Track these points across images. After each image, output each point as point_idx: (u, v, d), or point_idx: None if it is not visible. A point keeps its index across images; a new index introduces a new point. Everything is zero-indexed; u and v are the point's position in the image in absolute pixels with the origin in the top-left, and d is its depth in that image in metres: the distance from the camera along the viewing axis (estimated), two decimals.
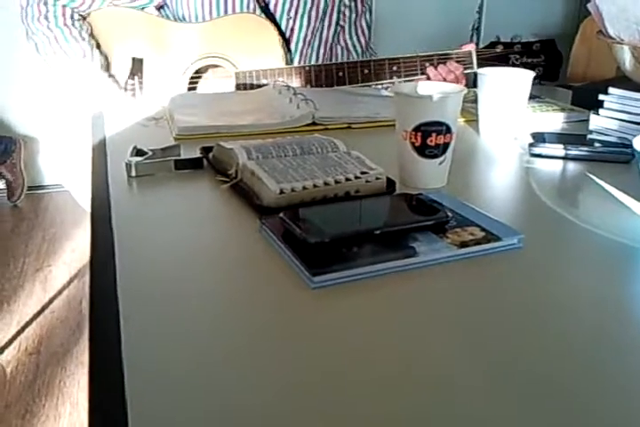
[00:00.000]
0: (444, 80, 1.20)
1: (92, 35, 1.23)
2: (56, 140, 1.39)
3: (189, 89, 1.24)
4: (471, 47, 1.25)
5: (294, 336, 0.45)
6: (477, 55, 1.25)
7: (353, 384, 0.40)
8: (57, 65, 1.22)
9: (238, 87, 1.19)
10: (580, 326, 0.47)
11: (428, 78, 1.22)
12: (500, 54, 1.26)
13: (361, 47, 1.41)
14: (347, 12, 1.36)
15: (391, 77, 1.22)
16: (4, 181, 2.71)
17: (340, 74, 1.20)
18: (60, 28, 1.20)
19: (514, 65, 1.24)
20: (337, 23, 1.36)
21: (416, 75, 1.22)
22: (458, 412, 0.38)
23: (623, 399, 0.39)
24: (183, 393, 0.39)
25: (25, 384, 1.60)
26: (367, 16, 1.40)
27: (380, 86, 1.24)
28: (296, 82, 1.19)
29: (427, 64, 1.22)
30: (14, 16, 1.28)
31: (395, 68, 1.22)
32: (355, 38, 1.39)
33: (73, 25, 1.21)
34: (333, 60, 1.37)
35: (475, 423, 0.37)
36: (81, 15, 1.23)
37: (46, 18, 1.20)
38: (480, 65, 1.23)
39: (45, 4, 1.20)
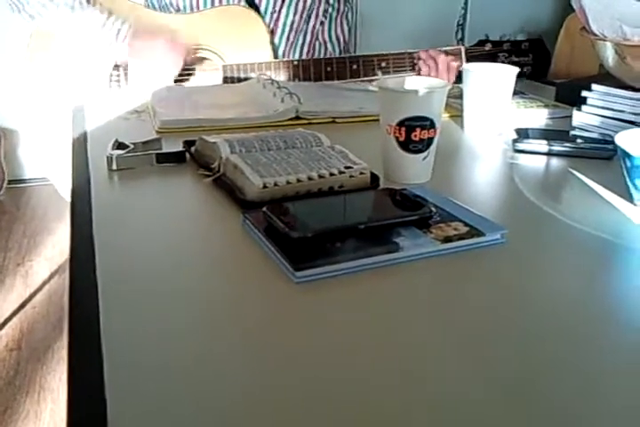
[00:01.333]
0: (435, 62, 1.19)
1: None
2: (37, 133, 1.36)
3: (176, 82, 1.23)
4: (460, 46, 1.26)
5: (277, 331, 0.45)
6: (466, 53, 1.25)
7: (336, 380, 0.40)
8: (58, 23, 1.20)
9: (225, 80, 1.18)
10: (561, 321, 0.47)
11: (419, 73, 1.22)
12: (488, 52, 1.26)
13: (338, 44, 1.41)
14: (329, 10, 1.37)
15: (380, 74, 1.22)
16: None
17: (329, 69, 1.20)
18: None
19: (502, 63, 1.25)
20: (320, 21, 1.36)
21: (405, 71, 1.22)
22: (444, 407, 0.38)
23: (605, 392, 0.40)
24: (163, 390, 0.39)
25: (5, 380, 1.58)
26: (348, 16, 1.40)
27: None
28: (284, 76, 1.18)
29: (417, 57, 1.22)
30: None
31: (383, 65, 1.21)
32: (333, 35, 1.39)
33: None
34: (314, 55, 1.37)
35: (461, 418, 0.37)
36: None
37: None
38: (469, 62, 1.24)
39: None
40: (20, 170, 2.82)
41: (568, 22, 1.50)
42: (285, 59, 1.29)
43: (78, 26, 1.19)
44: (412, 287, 0.52)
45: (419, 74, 1.22)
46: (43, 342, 1.73)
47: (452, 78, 1.21)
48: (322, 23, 1.37)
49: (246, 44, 1.23)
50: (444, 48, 1.24)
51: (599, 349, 0.44)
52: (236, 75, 1.18)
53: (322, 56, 1.36)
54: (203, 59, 1.25)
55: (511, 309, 0.49)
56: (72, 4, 1.18)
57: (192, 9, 1.24)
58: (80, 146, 0.86)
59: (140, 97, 1.08)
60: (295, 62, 1.19)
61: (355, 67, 1.21)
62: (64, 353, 1.68)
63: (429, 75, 1.20)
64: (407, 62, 1.23)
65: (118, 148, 0.77)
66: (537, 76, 1.27)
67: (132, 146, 0.77)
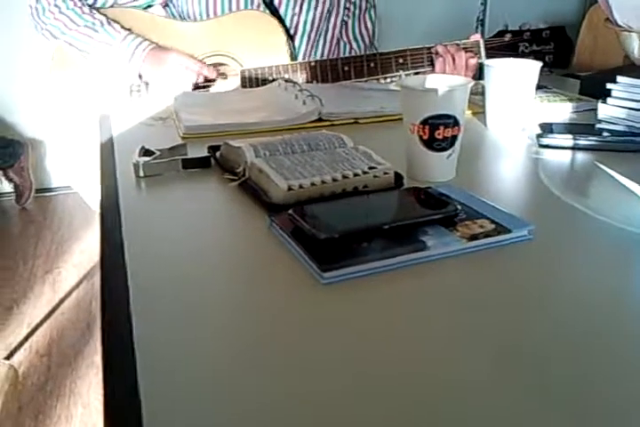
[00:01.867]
0: (453, 58, 1.18)
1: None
2: (63, 143, 1.39)
3: (195, 88, 1.24)
4: (478, 37, 1.23)
5: (305, 332, 0.45)
6: (486, 44, 1.23)
7: (365, 381, 0.40)
8: (78, 43, 1.22)
9: (244, 85, 1.19)
10: (592, 317, 0.47)
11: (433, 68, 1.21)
12: (508, 43, 1.24)
13: (364, 42, 1.40)
14: (351, 8, 1.36)
15: (398, 70, 1.21)
16: (12, 185, 2.73)
17: (346, 68, 1.20)
18: (71, 10, 1.21)
19: (523, 53, 1.22)
20: (343, 20, 1.36)
21: (423, 67, 1.21)
22: (469, 409, 0.38)
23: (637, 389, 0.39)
24: (196, 392, 0.39)
25: (37, 386, 1.61)
26: (371, 12, 1.39)
27: (387, 80, 1.23)
28: (302, 78, 1.18)
29: (434, 52, 1.20)
30: (17, 18, 1.29)
31: (401, 61, 1.21)
32: (358, 33, 1.39)
33: (83, 5, 1.22)
34: (339, 55, 1.37)
35: (485, 421, 0.37)
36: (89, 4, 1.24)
37: (56, 5, 1.21)
38: (489, 54, 1.22)
39: None
40: (47, 179, 2.87)
41: (590, 14, 1.48)
42: (303, 60, 1.29)
43: (99, 48, 1.21)
44: (439, 286, 0.51)
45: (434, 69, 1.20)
46: (72, 348, 1.76)
47: (470, 75, 1.20)
48: (345, 22, 1.37)
49: (264, 48, 1.24)
50: (462, 41, 1.23)
51: (632, 344, 0.44)
52: (254, 78, 1.18)
53: (350, 55, 1.36)
54: (221, 64, 1.26)
55: (541, 306, 0.48)
56: (101, 23, 1.20)
57: (209, 16, 1.25)
58: (107, 154, 0.87)
59: (164, 103, 1.09)
60: (312, 63, 1.20)
61: (372, 65, 1.20)
62: (94, 358, 1.70)
63: (445, 70, 1.19)
64: (425, 58, 1.22)
65: (145, 154, 0.78)
66: (559, 64, 1.24)
67: (158, 152, 0.78)
